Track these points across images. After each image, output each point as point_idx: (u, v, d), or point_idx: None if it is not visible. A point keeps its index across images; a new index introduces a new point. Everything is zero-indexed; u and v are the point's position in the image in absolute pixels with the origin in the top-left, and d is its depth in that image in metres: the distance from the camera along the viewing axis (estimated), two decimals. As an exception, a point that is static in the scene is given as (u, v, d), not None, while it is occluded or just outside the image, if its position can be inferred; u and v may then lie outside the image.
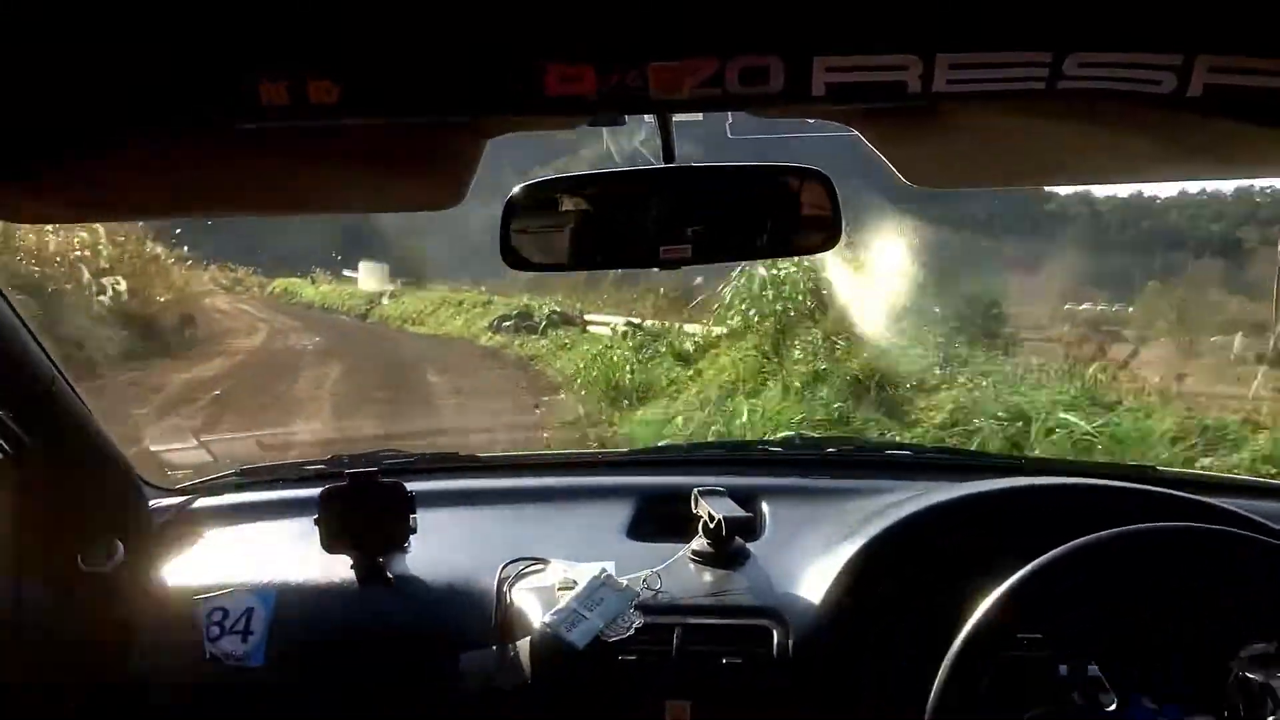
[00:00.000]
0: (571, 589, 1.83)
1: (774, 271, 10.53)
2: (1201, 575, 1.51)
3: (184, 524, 2.13)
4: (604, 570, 1.79)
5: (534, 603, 1.83)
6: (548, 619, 1.71)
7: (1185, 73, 0.65)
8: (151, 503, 2.10)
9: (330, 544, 1.89)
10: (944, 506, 1.84)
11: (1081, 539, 1.54)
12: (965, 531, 1.81)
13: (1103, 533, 1.54)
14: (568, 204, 1.35)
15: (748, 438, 7.63)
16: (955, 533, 1.81)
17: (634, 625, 1.74)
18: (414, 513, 1.92)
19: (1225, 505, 1.74)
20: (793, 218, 1.34)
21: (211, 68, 0.69)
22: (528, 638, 1.78)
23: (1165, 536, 1.54)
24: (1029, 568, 1.54)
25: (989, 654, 1.51)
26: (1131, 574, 1.55)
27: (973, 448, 6.85)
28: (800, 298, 10.49)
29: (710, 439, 7.64)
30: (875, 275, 10.37)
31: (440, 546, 1.98)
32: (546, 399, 11.20)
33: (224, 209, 1.46)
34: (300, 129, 0.80)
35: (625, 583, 1.78)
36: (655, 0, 0.66)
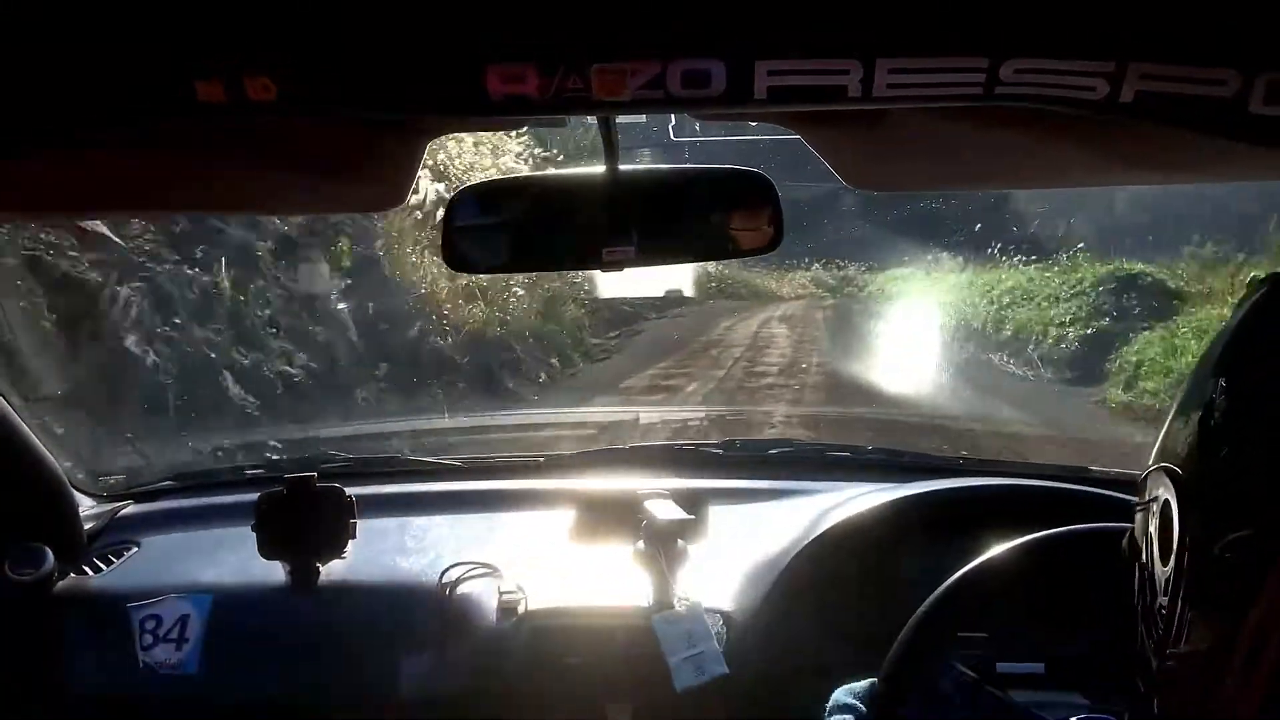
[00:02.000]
0: (515, 593, 1.82)
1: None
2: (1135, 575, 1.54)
3: (116, 530, 2.09)
4: (657, 618, 1.77)
5: (476, 608, 1.82)
6: (678, 686, 1.70)
7: (1118, 80, 0.66)
8: (83, 509, 2.05)
9: (267, 550, 1.86)
10: (884, 507, 1.86)
11: (1020, 539, 1.57)
12: (905, 532, 1.83)
13: (1041, 533, 1.57)
14: (510, 206, 1.34)
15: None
16: (895, 533, 1.83)
17: (723, 622, 1.77)
18: (354, 518, 1.90)
19: None
20: (735, 220, 1.35)
21: (146, 65, 0.68)
22: (469, 643, 1.77)
23: (1102, 536, 1.57)
24: (969, 567, 1.56)
25: (930, 651, 1.53)
26: (1070, 573, 1.58)
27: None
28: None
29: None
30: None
31: (380, 551, 1.96)
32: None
33: (161, 208, 1.43)
34: (239, 128, 0.79)
35: (680, 609, 1.78)
36: (598, 2, 0.66)
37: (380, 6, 0.67)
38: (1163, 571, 0.94)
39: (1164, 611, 0.93)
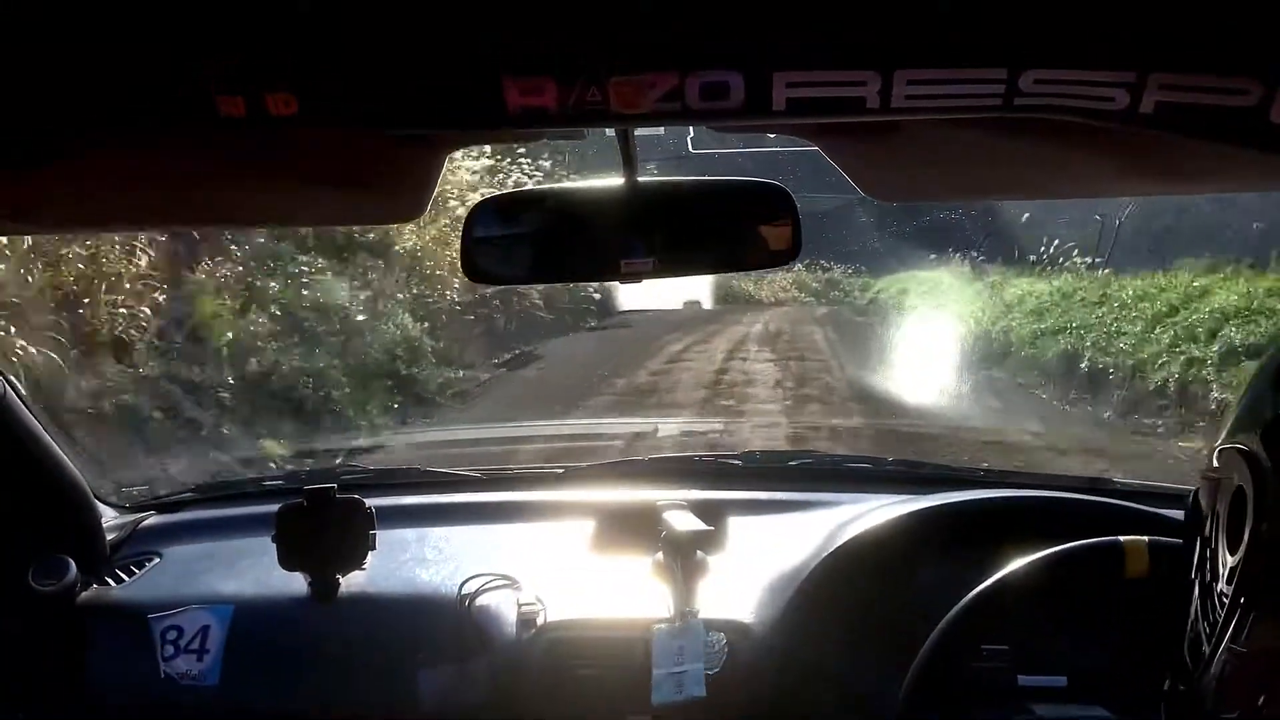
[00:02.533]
0: (534, 605, 1.82)
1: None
2: (1158, 586, 1.53)
3: (139, 541, 2.10)
4: (655, 627, 1.77)
5: (496, 620, 1.82)
6: (655, 700, 1.70)
7: (1138, 90, 0.66)
8: (105, 520, 2.06)
9: (287, 561, 1.87)
10: (905, 519, 1.85)
11: (1042, 552, 1.56)
12: (927, 544, 1.82)
13: (1063, 545, 1.56)
14: (528, 218, 1.35)
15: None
16: (916, 545, 1.82)
17: (723, 648, 1.76)
18: (373, 529, 1.90)
19: (1176, 516, 1.76)
20: (753, 232, 1.35)
21: (168, 79, 0.68)
22: (489, 655, 1.77)
23: (1105, 550, 1.55)
24: (992, 580, 1.55)
25: (953, 664, 1.52)
26: (1088, 585, 1.57)
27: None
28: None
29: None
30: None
31: (400, 563, 1.96)
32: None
33: (182, 222, 1.44)
34: (259, 141, 0.79)
35: (679, 622, 1.77)
36: (617, 15, 0.66)
37: (399, 21, 0.67)
38: (1229, 559, 0.92)
39: (1224, 599, 0.91)
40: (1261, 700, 0.86)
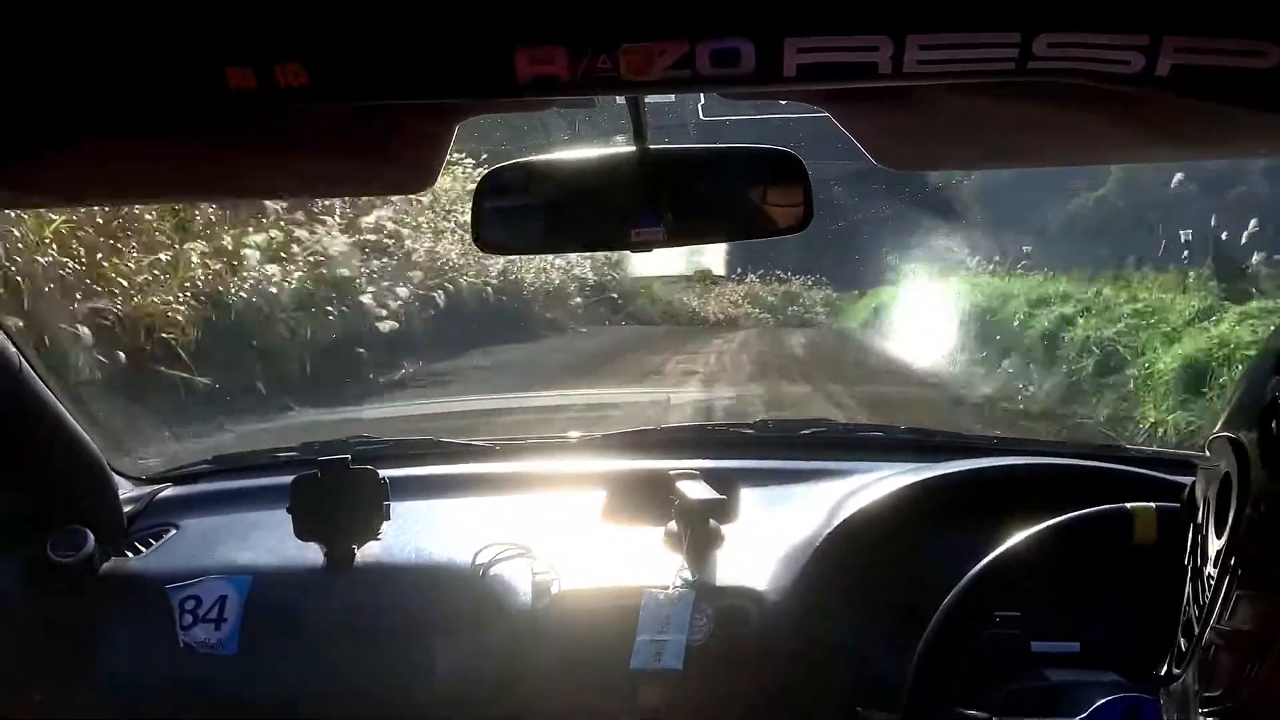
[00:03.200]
0: (548, 574, 1.83)
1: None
2: (1170, 553, 1.53)
3: (156, 513, 2.12)
4: (647, 591, 1.78)
5: (510, 589, 1.83)
6: (632, 666, 1.71)
7: (1153, 53, 0.65)
8: (122, 492, 2.08)
9: (303, 532, 1.88)
10: (917, 487, 1.86)
11: (1055, 519, 1.56)
12: (939, 511, 1.83)
13: (1076, 512, 1.56)
14: (539, 187, 1.34)
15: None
16: (929, 513, 1.83)
17: (709, 620, 1.75)
18: (387, 500, 1.92)
19: (1188, 481, 1.76)
20: (764, 199, 1.35)
21: (177, 53, 0.68)
22: (503, 624, 1.79)
23: (1113, 517, 1.56)
24: (1004, 546, 1.55)
25: (966, 631, 1.52)
26: (1100, 552, 1.57)
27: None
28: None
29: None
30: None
31: (414, 533, 1.98)
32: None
33: (193, 195, 1.45)
34: (270, 114, 0.79)
35: (674, 590, 1.78)
36: None
37: None
38: (1216, 543, 0.93)
39: (1211, 581, 0.92)
40: (1246, 675, 0.87)
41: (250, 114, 0.73)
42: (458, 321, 13.59)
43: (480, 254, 13.45)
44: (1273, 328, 0.97)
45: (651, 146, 1.22)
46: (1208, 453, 0.98)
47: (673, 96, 1.45)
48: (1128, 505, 1.51)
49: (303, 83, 0.68)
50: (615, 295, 21.10)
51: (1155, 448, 2.18)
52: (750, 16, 0.66)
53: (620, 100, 1.09)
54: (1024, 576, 1.55)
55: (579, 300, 19.77)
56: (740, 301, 24.54)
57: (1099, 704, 1.41)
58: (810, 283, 26.03)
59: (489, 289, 15.50)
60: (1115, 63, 0.66)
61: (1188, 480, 1.75)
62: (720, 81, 0.69)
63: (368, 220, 12.47)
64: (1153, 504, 1.48)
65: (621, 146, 1.25)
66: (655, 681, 1.73)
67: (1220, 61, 0.65)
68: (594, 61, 0.67)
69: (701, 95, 1.51)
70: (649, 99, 1.17)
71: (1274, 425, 0.85)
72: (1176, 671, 1.01)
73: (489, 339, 14.07)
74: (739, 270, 23.93)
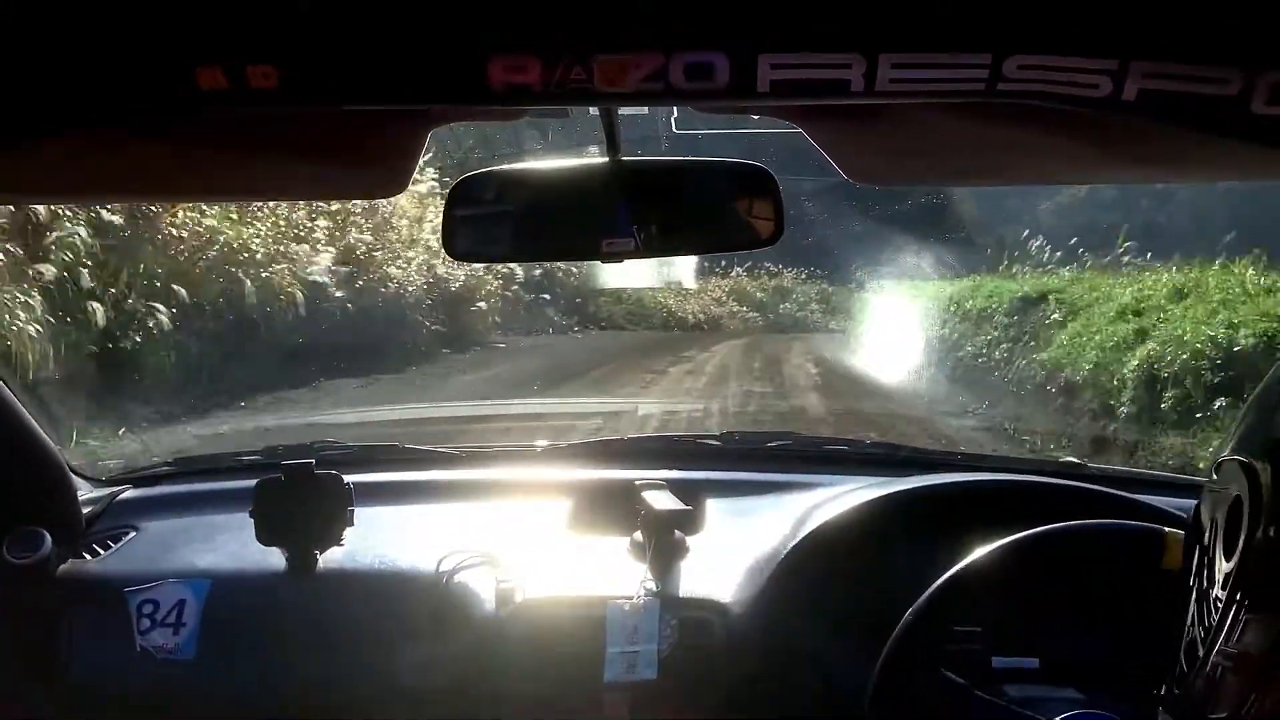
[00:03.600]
0: (512, 582, 1.82)
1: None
2: (1129, 570, 1.55)
3: (115, 515, 2.09)
4: (611, 603, 1.78)
5: (473, 597, 1.82)
6: (606, 679, 1.71)
7: (1120, 78, 0.66)
8: (81, 494, 2.05)
9: (265, 536, 1.87)
10: (882, 501, 1.87)
11: (1015, 535, 1.57)
12: (902, 526, 1.84)
13: (1036, 529, 1.58)
14: (511, 195, 1.34)
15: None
16: (892, 527, 1.84)
17: (674, 629, 1.75)
18: (351, 505, 1.90)
19: (1150, 501, 1.78)
20: (736, 213, 1.36)
21: (147, 53, 0.68)
22: (466, 632, 1.78)
23: (1095, 532, 1.57)
24: (965, 561, 1.57)
25: (926, 645, 1.53)
26: (1063, 569, 1.59)
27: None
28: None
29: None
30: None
31: (378, 539, 1.96)
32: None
33: (163, 196, 1.44)
34: (242, 115, 0.79)
35: (639, 600, 1.78)
36: None
37: None
38: (1224, 566, 0.93)
39: (1219, 604, 0.93)
40: (1251, 700, 0.88)
41: (220, 114, 0.73)
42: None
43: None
44: None
45: (624, 158, 1.22)
46: (1214, 476, 0.99)
47: (646, 109, 1.45)
48: (1164, 529, 1.53)
49: (274, 84, 0.68)
50: (563, 293, 17.22)
51: (1116, 466, 2.21)
52: (725, 31, 0.66)
53: (594, 111, 1.09)
54: (986, 590, 1.57)
55: (513, 299, 15.37)
56: (725, 299, 21.57)
57: (1060, 719, 1.42)
58: (805, 275, 22.79)
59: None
60: (1084, 86, 0.67)
61: (1148, 499, 1.78)
62: (694, 95, 0.69)
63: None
64: (1181, 531, 1.50)
65: (594, 158, 1.26)
66: (621, 691, 1.73)
67: (1187, 87, 0.66)
68: (568, 72, 0.67)
69: (674, 109, 1.52)
70: (622, 111, 1.17)
71: None
72: (1178, 693, 1.01)
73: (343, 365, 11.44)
74: (721, 264, 21.35)
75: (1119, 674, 1.52)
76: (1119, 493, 1.83)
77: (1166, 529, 1.53)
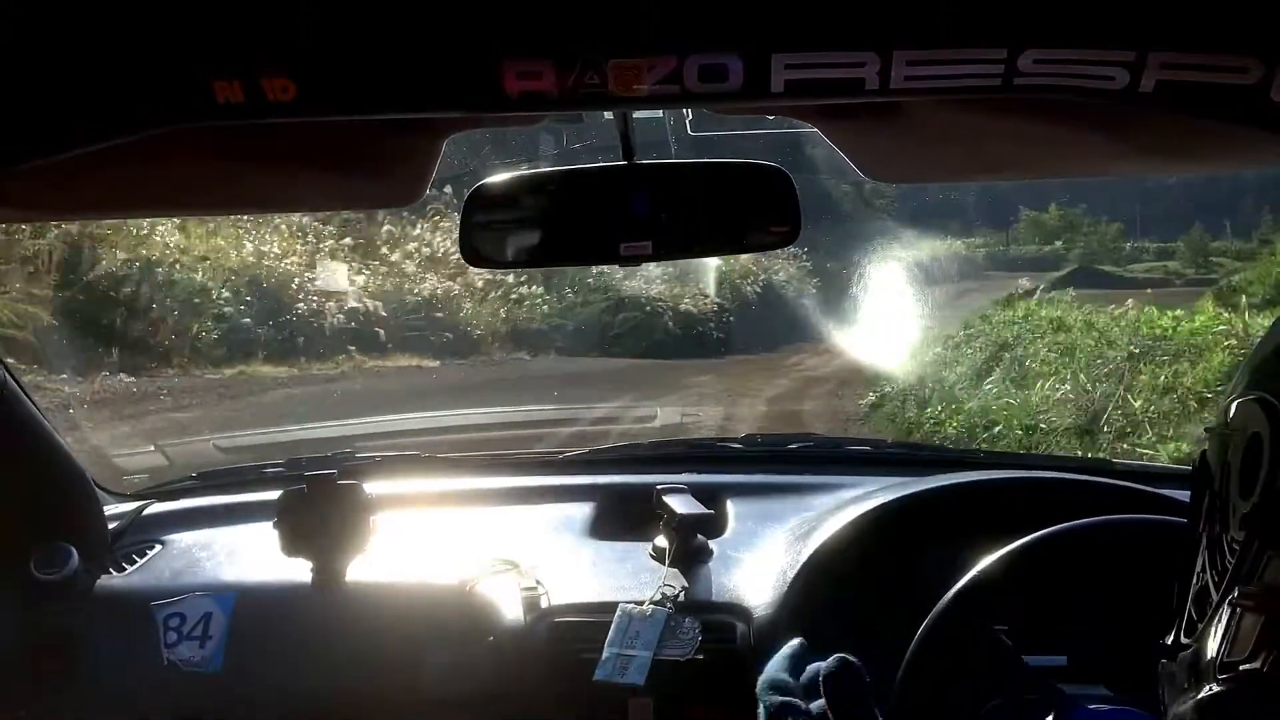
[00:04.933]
0: (536, 589, 1.82)
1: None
2: (1157, 566, 1.53)
3: (140, 529, 2.10)
4: (623, 605, 1.77)
5: (497, 604, 1.83)
6: (596, 676, 1.70)
7: (1138, 69, 0.66)
8: (107, 508, 2.06)
9: (289, 548, 1.87)
10: (905, 500, 1.86)
11: (1041, 531, 1.56)
12: (926, 525, 1.83)
13: (1061, 526, 1.56)
14: (528, 201, 1.34)
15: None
16: (916, 527, 1.83)
17: (697, 633, 1.74)
18: (373, 515, 1.91)
19: (1176, 495, 1.77)
20: (752, 214, 1.35)
21: (165, 66, 0.68)
22: (490, 639, 1.78)
23: (1123, 528, 1.56)
24: (989, 560, 1.55)
25: (952, 644, 1.52)
26: (1090, 566, 1.57)
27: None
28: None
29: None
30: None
31: (401, 549, 1.97)
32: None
33: (180, 209, 1.45)
34: (258, 127, 0.79)
35: (648, 608, 1.77)
36: None
37: (397, 4, 0.67)
38: (1241, 505, 0.91)
39: (1236, 545, 0.91)
40: (1275, 638, 0.86)
41: (236, 127, 0.73)
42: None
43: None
44: None
45: (640, 161, 1.22)
46: (1226, 417, 0.96)
47: (660, 112, 1.45)
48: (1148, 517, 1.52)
49: (290, 96, 0.68)
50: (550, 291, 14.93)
51: (1142, 463, 2.19)
52: (738, 32, 0.66)
53: (608, 115, 1.09)
54: (1012, 589, 1.55)
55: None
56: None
57: (1091, 714, 1.41)
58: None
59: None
60: (1101, 78, 0.66)
61: (1172, 494, 1.75)
62: (708, 97, 0.69)
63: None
64: None
65: (610, 161, 1.26)
66: (645, 696, 1.72)
67: (1205, 77, 0.65)
68: (582, 76, 0.67)
69: (688, 111, 1.52)
70: (637, 114, 1.17)
71: None
72: (1186, 641, 0.99)
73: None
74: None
75: (1149, 671, 1.50)
76: (1144, 487, 1.82)
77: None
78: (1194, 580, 0.99)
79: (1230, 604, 0.90)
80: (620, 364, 13.81)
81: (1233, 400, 0.95)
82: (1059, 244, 25.23)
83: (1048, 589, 1.61)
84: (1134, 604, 1.58)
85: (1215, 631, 0.93)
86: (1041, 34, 0.66)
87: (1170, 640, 1.03)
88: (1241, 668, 0.88)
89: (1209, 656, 0.93)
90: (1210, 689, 0.91)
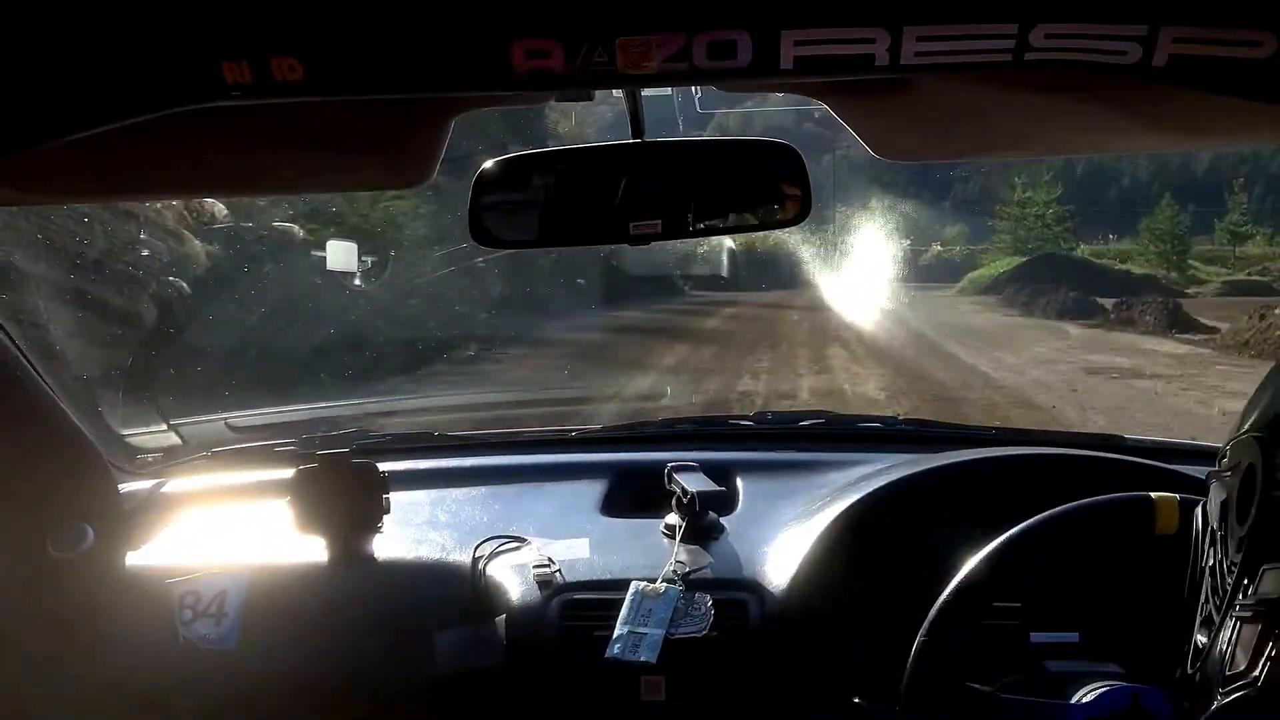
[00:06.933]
0: (548, 566, 1.83)
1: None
2: (1165, 542, 1.53)
3: (155, 507, 2.11)
4: (636, 584, 1.78)
5: (510, 581, 1.83)
6: (608, 654, 1.70)
7: (1150, 44, 0.65)
8: (121, 486, 2.08)
9: (303, 525, 1.89)
10: (917, 477, 1.86)
11: (1053, 509, 1.56)
12: (939, 502, 1.83)
13: (1074, 502, 1.56)
14: (537, 180, 1.34)
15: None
16: (929, 503, 1.83)
17: (710, 611, 1.75)
18: (387, 493, 1.92)
19: (1188, 471, 1.76)
20: (762, 192, 1.35)
21: (173, 47, 0.68)
22: (503, 616, 1.79)
23: (1135, 504, 1.56)
24: (1004, 537, 1.55)
25: (964, 622, 1.53)
26: (1104, 542, 1.57)
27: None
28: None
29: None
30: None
31: (414, 526, 1.98)
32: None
33: (192, 191, 1.45)
34: (266, 108, 0.79)
35: (661, 585, 1.77)
36: None
37: None
38: (1238, 530, 0.94)
39: (1234, 567, 0.93)
40: (1272, 643, 0.87)
41: (245, 107, 0.73)
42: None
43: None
44: None
45: (649, 139, 1.22)
46: (1224, 461, 1.00)
47: (669, 89, 1.44)
48: (1150, 494, 1.51)
49: (299, 76, 0.68)
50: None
51: (1156, 438, 2.18)
52: (747, 9, 0.66)
53: (617, 93, 1.09)
54: (1025, 565, 1.55)
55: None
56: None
57: (1103, 691, 1.41)
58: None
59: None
60: (1112, 53, 0.66)
61: (1188, 469, 1.75)
62: (717, 74, 0.68)
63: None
64: (1176, 495, 1.48)
65: (619, 140, 1.25)
66: (657, 673, 1.73)
67: (1217, 52, 0.65)
68: (590, 55, 0.67)
69: (696, 88, 1.51)
70: (645, 92, 1.17)
71: None
72: (1194, 669, 1.02)
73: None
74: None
75: (1160, 647, 1.51)
76: (1155, 463, 1.81)
77: (1153, 494, 1.50)
78: (1198, 612, 1.02)
79: (1231, 620, 0.92)
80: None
81: (1230, 443, 0.98)
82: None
83: (1060, 565, 1.61)
84: (1145, 581, 1.58)
85: (1219, 649, 0.95)
86: (1053, 8, 0.65)
87: (1182, 672, 1.05)
88: (1242, 681, 0.91)
89: (1214, 672, 0.95)
90: (1218, 700, 0.94)
